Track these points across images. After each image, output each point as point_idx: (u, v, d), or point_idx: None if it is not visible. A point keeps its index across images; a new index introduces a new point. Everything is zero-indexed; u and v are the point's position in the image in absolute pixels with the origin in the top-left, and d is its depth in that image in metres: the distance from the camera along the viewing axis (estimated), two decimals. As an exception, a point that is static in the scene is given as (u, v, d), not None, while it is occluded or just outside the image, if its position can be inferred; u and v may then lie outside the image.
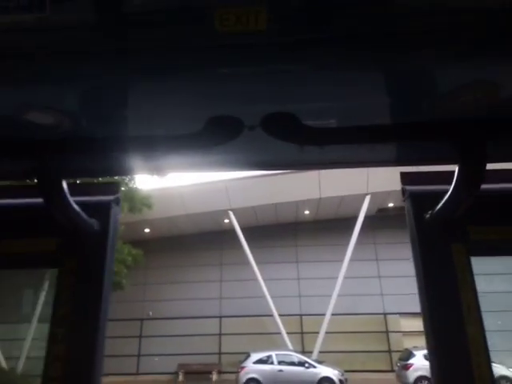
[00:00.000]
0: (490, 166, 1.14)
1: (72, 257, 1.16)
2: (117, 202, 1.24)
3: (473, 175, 1.00)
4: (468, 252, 1.14)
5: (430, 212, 1.16)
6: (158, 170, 1.21)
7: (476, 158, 0.98)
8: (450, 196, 1.06)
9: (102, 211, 1.20)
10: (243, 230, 17.09)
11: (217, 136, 0.99)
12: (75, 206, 1.08)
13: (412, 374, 12.63)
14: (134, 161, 1.12)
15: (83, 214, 1.11)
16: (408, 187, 1.24)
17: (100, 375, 1.06)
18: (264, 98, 0.94)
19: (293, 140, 1.01)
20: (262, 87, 0.91)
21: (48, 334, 1.09)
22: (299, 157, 1.18)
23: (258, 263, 16.72)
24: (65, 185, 1.05)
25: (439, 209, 1.12)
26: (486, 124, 0.98)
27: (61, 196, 1.04)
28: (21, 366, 14.64)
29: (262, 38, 0.76)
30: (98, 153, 1.06)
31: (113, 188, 1.26)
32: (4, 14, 0.70)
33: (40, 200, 1.10)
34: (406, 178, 1.26)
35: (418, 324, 16.89)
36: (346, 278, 15.80)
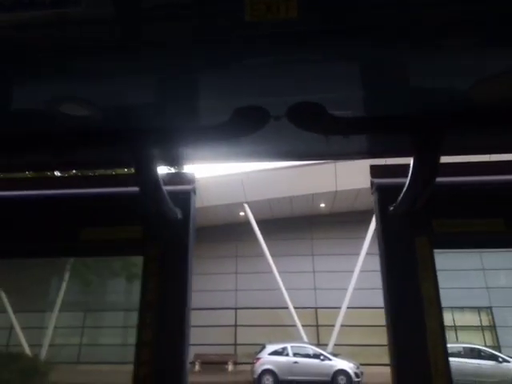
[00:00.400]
0: (456, 159, 1.13)
1: (157, 244, 1.20)
2: (194, 191, 1.28)
3: (428, 167, 0.99)
4: (431, 245, 1.14)
5: (394, 205, 1.15)
6: (185, 162, 1.23)
7: (430, 150, 0.96)
8: (407, 189, 1.06)
9: (183, 200, 1.24)
10: (258, 222, 17.11)
11: (243, 127, 0.99)
12: (166, 196, 1.10)
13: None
14: (161, 153, 1.13)
15: (171, 203, 1.14)
16: (375, 180, 1.24)
17: (187, 359, 1.10)
18: (290, 88, 0.94)
19: (318, 130, 1.00)
20: (289, 77, 0.90)
21: (137, 320, 1.14)
22: (325, 147, 1.17)
23: (273, 256, 16.75)
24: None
25: (399, 201, 1.12)
26: (441, 116, 0.97)
27: (156, 185, 1.06)
28: (44, 353, 15.10)
29: (292, 26, 0.75)
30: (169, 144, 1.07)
31: (190, 177, 1.29)
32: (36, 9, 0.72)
33: (127, 188, 1.16)
34: (374, 170, 1.26)
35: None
36: (362, 271, 15.68)
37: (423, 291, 1.10)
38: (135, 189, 1.20)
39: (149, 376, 1.07)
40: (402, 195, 1.09)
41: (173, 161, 1.19)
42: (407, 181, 1.04)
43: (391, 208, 1.16)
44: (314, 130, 1.00)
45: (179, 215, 1.20)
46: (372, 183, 1.25)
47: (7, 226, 1.28)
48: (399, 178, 1.10)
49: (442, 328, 1.07)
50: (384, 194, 1.21)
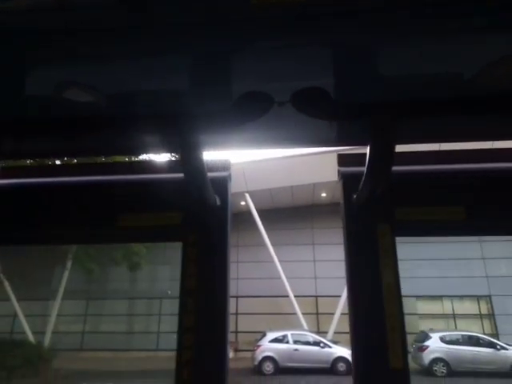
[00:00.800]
0: (419, 148, 1.12)
1: (196, 230, 1.20)
2: (230, 177, 1.28)
3: (383, 156, 0.98)
4: (393, 232, 1.15)
5: (356, 193, 1.16)
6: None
7: (385, 138, 0.95)
8: (365, 177, 1.06)
9: (221, 186, 1.23)
10: (259, 212, 17.15)
11: (245, 113, 0.97)
12: (209, 182, 1.10)
13: (427, 356, 12.67)
14: (162, 138, 1.12)
15: (211, 189, 1.14)
16: (341, 168, 1.25)
17: (228, 345, 1.11)
18: (294, 73, 0.92)
19: (323, 116, 0.99)
20: (292, 62, 0.88)
21: (178, 306, 1.14)
22: (329, 134, 1.16)
23: (274, 245, 16.83)
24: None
25: (360, 190, 1.12)
26: (396, 105, 0.95)
27: (202, 172, 1.05)
28: (47, 340, 15.27)
29: (297, 9, 0.74)
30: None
31: (226, 164, 1.29)
32: None
33: (167, 175, 1.15)
34: (340, 158, 1.26)
35: (434, 307, 16.88)
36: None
37: (384, 278, 1.11)
38: (175, 175, 1.19)
39: (191, 361, 1.08)
40: (361, 183, 1.09)
41: (177, 147, 1.18)
42: (365, 169, 1.04)
43: (354, 196, 1.17)
44: (318, 116, 0.99)
45: (217, 201, 1.20)
46: (338, 172, 1.25)
47: (46, 213, 1.28)
48: (364, 166, 1.11)
49: (400, 315, 1.08)
50: (348, 182, 1.21)
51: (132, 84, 0.97)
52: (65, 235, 1.33)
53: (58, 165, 1.39)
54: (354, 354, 1.08)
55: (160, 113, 1.04)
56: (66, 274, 15.53)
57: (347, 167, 1.24)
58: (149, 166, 1.33)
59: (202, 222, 1.20)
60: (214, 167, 1.25)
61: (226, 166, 1.28)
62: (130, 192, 1.26)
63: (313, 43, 0.83)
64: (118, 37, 0.81)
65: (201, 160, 1.01)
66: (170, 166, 1.29)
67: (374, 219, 1.16)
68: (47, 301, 16.36)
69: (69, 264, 15.22)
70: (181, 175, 1.06)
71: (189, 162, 1.00)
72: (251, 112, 0.97)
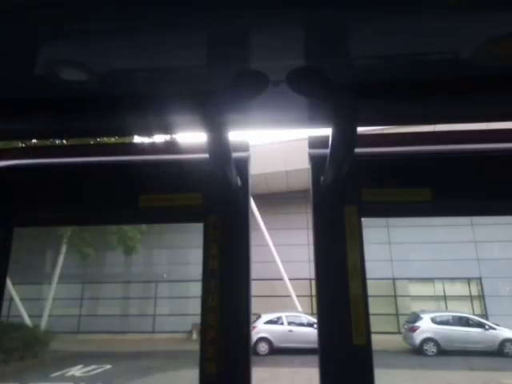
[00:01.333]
0: (389, 130, 1.11)
1: (217, 211, 1.20)
2: (249, 158, 1.27)
3: (345, 138, 0.98)
4: (359, 213, 1.16)
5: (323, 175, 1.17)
6: (181, 129, 1.18)
7: (346, 120, 0.95)
8: (329, 159, 1.06)
9: (241, 167, 1.23)
10: (255, 197, 17.17)
11: (240, 92, 0.94)
12: (233, 163, 1.09)
13: (418, 336, 12.97)
14: (157, 119, 1.09)
15: (235, 170, 1.13)
16: (310, 150, 1.24)
17: (250, 323, 1.12)
18: (290, 51, 0.89)
19: (319, 97, 0.96)
20: (289, 40, 0.85)
21: (201, 286, 1.14)
22: (325, 115, 1.13)
23: (269, 229, 16.93)
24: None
25: (325, 172, 1.12)
26: (358, 87, 0.95)
27: (226, 152, 1.03)
28: (44, 323, 15.38)
29: None
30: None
31: (245, 145, 1.27)
32: None
33: (189, 155, 1.14)
34: (311, 140, 1.25)
35: (425, 289, 17.18)
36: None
37: (349, 258, 1.13)
38: (196, 155, 1.17)
39: (215, 340, 1.09)
40: (326, 165, 1.09)
41: (173, 128, 1.15)
42: (328, 151, 1.04)
43: (322, 178, 1.18)
44: (314, 97, 0.97)
45: (239, 182, 1.19)
46: (308, 154, 1.25)
47: (69, 194, 1.27)
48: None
49: (365, 293, 1.10)
50: (317, 164, 1.21)
51: (138, 63, 0.93)
52: (87, 216, 1.33)
53: (80, 145, 1.35)
54: (319, 331, 1.10)
55: (172, 92, 1.02)
56: (61, 258, 15.54)
57: (316, 149, 1.23)
58: (171, 147, 1.31)
59: (223, 203, 1.20)
60: (235, 148, 1.22)
61: (245, 147, 1.26)
62: (153, 173, 1.25)
63: (308, 21, 0.80)
64: (120, 11, 0.77)
65: (226, 140, 1.00)
66: (193, 147, 1.27)
67: (341, 200, 1.17)
68: (43, 285, 16.42)
69: (64, 248, 15.22)
70: (202, 156, 1.05)
71: (214, 142, 0.99)
72: (245, 91, 0.95)
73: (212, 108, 0.94)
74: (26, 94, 1.05)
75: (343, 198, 1.17)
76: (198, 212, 1.22)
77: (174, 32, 0.83)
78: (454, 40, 0.84)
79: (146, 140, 1.57)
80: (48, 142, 7.14)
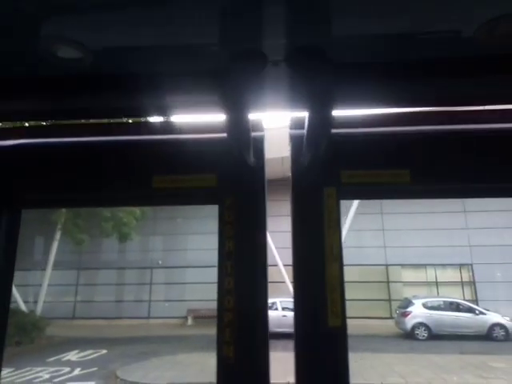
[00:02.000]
0: (366, 111, 1.09)
1: (233, 192, 1.16)
2: (264, 138, 1.23)
3: (320, 119, 0.97)
4: (338, 195, 1.15)
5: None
6: (175, 110, 1.16)
7: (322, 103, 0.93)
8: (306, 140, 1.05)
9: (257, 147, 1.18)
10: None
11: (238, 71, 0.91)
12: (251, 142, 1.06)
13: (410, 321, 13.23)
14: (153, 100, 1.07)
15: (252, 150, 1.10)
16: (291, 131, 1.22)
17: (267, 305, 1.10)
18: (290, 30, 0.86)
19: (320, 77, 0.93)
20: (288, 18, 0.82)
21: (217, 269, 1.12)
22: (327, 96, 1.12)
23: (263, 216, 16.98)
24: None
25: (303, 153, 1.11)
26: (335, 70, 0.93)
27: (246, 132, 1.00)
28: (39, 309, 15.41)
29: None
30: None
31: (260, 124, 1.23)
32: None
33: (202, 135, 1.11)
34: (292, 122, 1.23)
35: (418, 275, 17.44)
36: (350, 230, 16.06)
37: (327, 240, 1.12)
38: (212, 135, 1.14)
39: (232, 322, 1.08)
40: (303, 146, 1.08)
41: (168, 109, 1.12)
42: (305, 133, 1.02)
43: (301, 159, 1.16)
44: (314, 77, 0.93)
45: (254, 163, 1.16)
46: (289, 134, 1.22)
47: (82, 174, 1.24)
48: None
49: (341, 275, 1.10)
50: (297, 145, 1.19)
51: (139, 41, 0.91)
52: (99, 197, 1.30)
53: (91, 124, 1.32)
54: (295, 313, 1.10)
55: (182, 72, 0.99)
56: (56, 244, 15.52)
57: (297, 130, 1.20)
58: (186, 127, 1.27)
59: (238, 184, 1.17)
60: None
61: (260, 126, 1.23)
62: (167, 153, 1.22)
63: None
64: None
65: (246, 119, 0.97)
66: (206, 127, 1.24)
67: (320, 182, 1.15)
68: (38, 271, 16.42)
69: (58, 234, 15.18)
70: (216, 136, 1.02)
71: (234, 121, 0.96)
72: (242, 71, 0.92)
73: (231, 87, 0.91)
74: (22, 74, 1.01)
75: (322, 179, 1.16)
76: (212, 193, 1.19)
77: (181, 7, 0.80)
78: (454, 19, 0.83)
79: (158, 120, 1.53)
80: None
